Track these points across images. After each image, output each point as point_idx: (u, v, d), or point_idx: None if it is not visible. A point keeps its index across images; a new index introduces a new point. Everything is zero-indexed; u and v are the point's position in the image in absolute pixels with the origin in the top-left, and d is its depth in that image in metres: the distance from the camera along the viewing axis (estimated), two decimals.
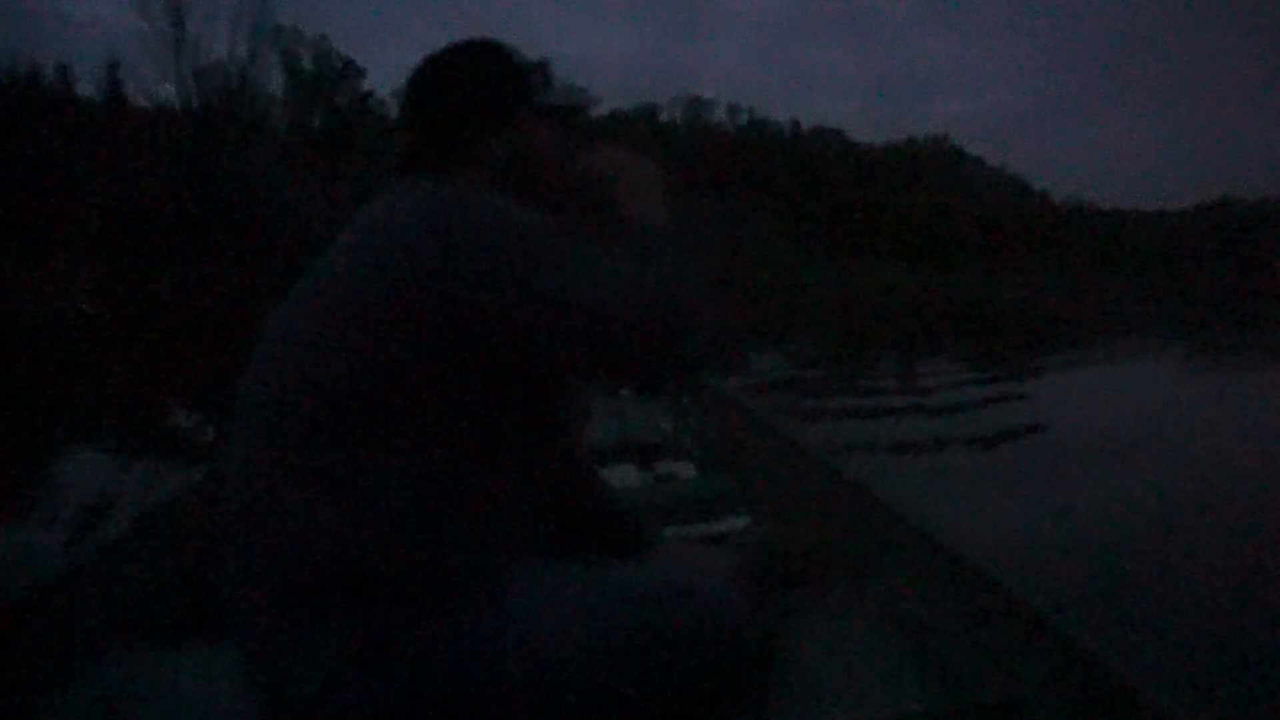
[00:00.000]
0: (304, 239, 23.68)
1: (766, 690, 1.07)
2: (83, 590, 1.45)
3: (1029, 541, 3.32)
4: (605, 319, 0.85)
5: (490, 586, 0.89)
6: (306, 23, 39.23)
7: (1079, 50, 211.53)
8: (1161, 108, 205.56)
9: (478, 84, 1.05)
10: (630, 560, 1.09)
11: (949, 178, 71.89)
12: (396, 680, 0.84)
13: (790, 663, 1.29)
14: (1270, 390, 9.08)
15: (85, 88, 32.61)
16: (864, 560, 1.67)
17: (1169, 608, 2.71)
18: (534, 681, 0.86)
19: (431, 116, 1.04)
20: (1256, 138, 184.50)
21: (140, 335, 12.94)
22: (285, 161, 29.36)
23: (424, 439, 0.86)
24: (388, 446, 0.85)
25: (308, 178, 27.43)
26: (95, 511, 3.56)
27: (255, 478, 0.88)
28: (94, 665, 1.35)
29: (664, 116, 60.81)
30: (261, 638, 0.87)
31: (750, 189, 53.98)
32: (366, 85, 41.05)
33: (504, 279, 0.84)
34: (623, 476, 2.48)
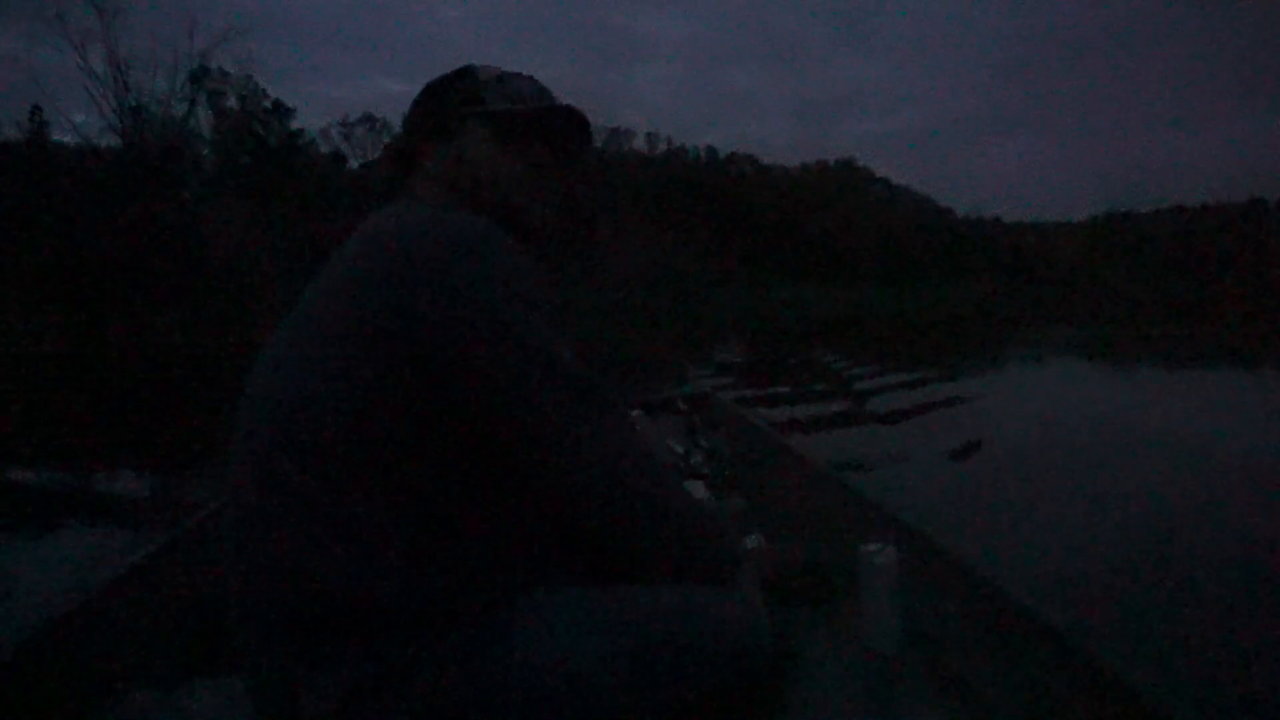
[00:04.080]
0: (240, 278, 23.91)
1: (779, 708, 1.02)
2: (91, 626, 1.42)
3: (1017, 552, 3.27)
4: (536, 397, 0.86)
5: (499, 614, 0.89)
6: (232, 63, 39.60)
7: (979, 73, 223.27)
8: (1056, 123, 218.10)
9: (426, 102, 1.08)
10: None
11: (857, 197, 75.26)
12: (406, 712, 0.84)
13: (803, 679, 1.28)
14: (1186, 392, 9.01)
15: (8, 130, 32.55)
16: None
17: (1187, 622, 2.62)
18: (543, 707, 0.87)
19: (394, 141, 1.10)
20: (1143, 150, 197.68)
21: (96, 380, 12.27)
22: (216, 200, 29.78)
23: (427, 472, 0.86)
24: (390, 480, 0.84)
25: (241, 214, 27.84)
26: None
27: (258, 513, 0.87)
28: (103, 706, 1.33)
29: None
30: (269, 673, 0.87)
31: (669, 215, 55.82)
32: (296, 124, 41.77)
33: (488, 346, 0.85)
34: None
